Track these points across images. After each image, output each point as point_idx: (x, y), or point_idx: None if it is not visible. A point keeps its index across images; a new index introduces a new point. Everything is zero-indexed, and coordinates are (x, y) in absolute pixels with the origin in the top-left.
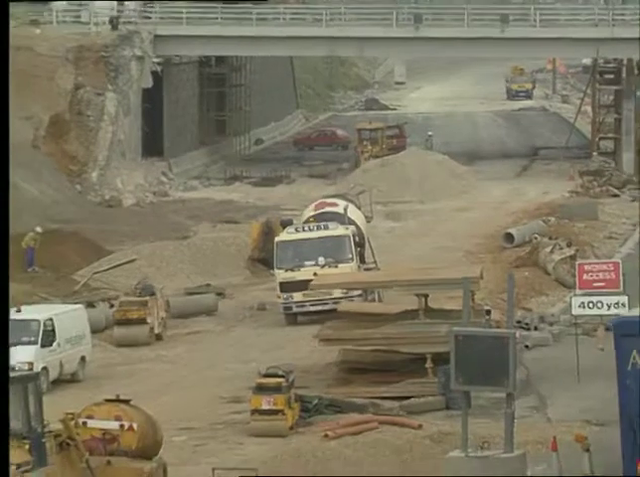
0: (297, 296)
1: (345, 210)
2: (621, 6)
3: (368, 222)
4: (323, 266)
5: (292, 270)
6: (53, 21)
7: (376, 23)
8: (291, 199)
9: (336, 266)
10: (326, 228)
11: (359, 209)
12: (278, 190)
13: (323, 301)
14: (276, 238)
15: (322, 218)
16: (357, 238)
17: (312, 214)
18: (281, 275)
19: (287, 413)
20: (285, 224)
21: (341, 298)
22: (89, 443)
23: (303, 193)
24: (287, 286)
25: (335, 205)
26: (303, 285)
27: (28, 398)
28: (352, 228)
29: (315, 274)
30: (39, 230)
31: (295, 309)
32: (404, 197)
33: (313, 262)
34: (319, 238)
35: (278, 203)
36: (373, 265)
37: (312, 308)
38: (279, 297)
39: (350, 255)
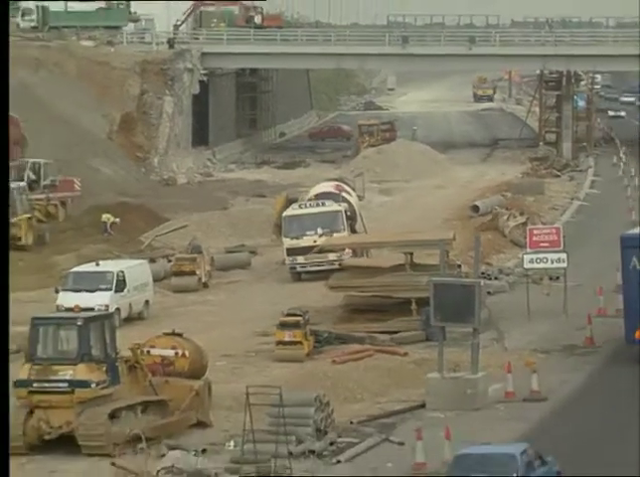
0: (300, 259)
1: (339, 191)
2: (561, 30)
3: (360, 200)
4: (321, 235)
5: (296, 238)
6: (124, 42)
7: (372, 43)
8: (307, 179)
9: (331, 235)
10: (323, 205)
11: (353, 189)
12: (297, 172)
13: (320, 263)
14: (283, 213)
15: (321, 196)
16: (348, 213)
17: (316, 193)
18: (287, 243)
19: (304, 344)
20: (291, 201)
21: (334, 261)
22: (152, 367)
23: (316, 174)
24: (292, 251)
25: (333, 186)
26: (305, 250)
27: (105, 332)
28: (344, 205)
29: (315, 242)
30: (112, 218)
31: (299, 269)
32: (394, 177)
33: (313, 232)
34: (317, 213)
35: (297, 182)
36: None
37: (312, 268)
38: (286, 260)
39: (342, 226)
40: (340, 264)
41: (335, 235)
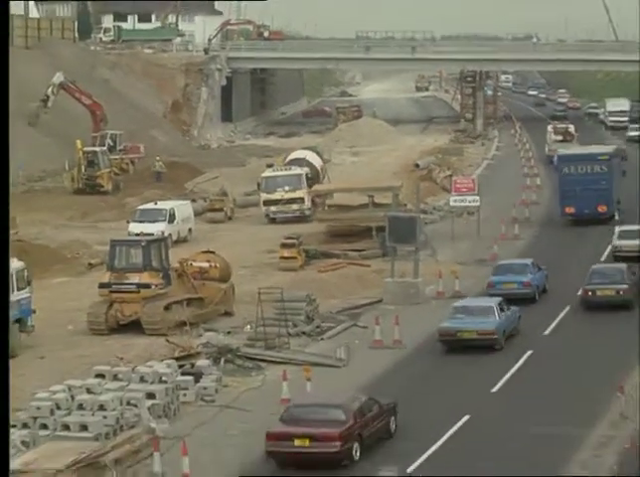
0: (272, 208)
1: (305, 157)
2: (475, 42)
3: (325, 163)
4: (287, 191)
5: (270, 193)
6: (173, 50)
7: (345, 50)
8: (300, 144)
9: (294, 191)
10: (290, 169)
11: (320, 156)
12: (293, 140)
13: (287, 212)
14: (261, 174)
15: (292, 163)
16: (309, 175)
17: (290, 158)
18: (264, 196)
19: (298, 258)
20: (269, 165)
21: (297, 210)
22: (193, 274)
23: (307, 141)
24: (267, 202)
25: (305, 154)
26: (276, 202)
27: (161, 250)
28: (306, 169)
29: (282, 196)
30: (161, 163)
31: (272, 216)
32: (361, 144)
33: (281, 189)
34: (285, 175)
35: (294, 146)
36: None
37: (281, 215)
38: (262, 208)
39: (303, 185)
40: (301, 213)
41: (297, 191)
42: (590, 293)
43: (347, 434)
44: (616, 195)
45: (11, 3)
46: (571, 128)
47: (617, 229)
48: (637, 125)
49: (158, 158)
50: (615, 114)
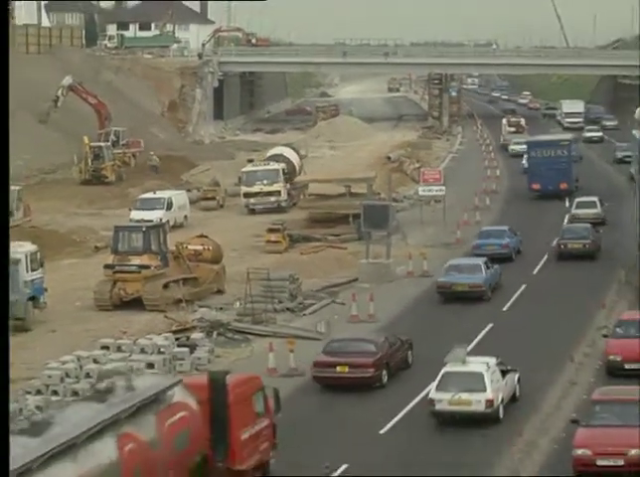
0: (252, 200)
1: (283, 153)
2: (441, 48)
3: (302, 159)
4: (265, 185)
5: (250, 186)
6: (170, 55)
7: (324, 55)
8: (284, 139)
9: (271, 185)
10: (268, 164)
11: (297, 152)
12: (278, 136)
13: (265, 203)
14: (242, 169)
15: (271, 158)
16: (286, 170)
17: (269, 154)
18: (244, 189)
19: (283, 242)
20: (249, 161)
21: (274, 202)
22: (188, 256)
23: (290, 137)
24: (247, 195)
25: (282, 150)
26: (255, 194)
27: (160, 235)
28: (283, 164)
29: (261, 189)
30: (156, 157)
31: (251, 207)
32: (338, 139)
33: (260, 182)
34: (263, 170)
35: (277, 142)
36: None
37: (260, 206)
38: (243, 200)
39: (279, 179)
40: (278, 204)
41: (274, 184)
42: (563, 246)
43: (378, 363)
44: (575, 174)
45: (24, 13)
46: (522, 121)
47: (575, 199)
48: (594, 126)
49: (152, 153)
50: (571, 116)
